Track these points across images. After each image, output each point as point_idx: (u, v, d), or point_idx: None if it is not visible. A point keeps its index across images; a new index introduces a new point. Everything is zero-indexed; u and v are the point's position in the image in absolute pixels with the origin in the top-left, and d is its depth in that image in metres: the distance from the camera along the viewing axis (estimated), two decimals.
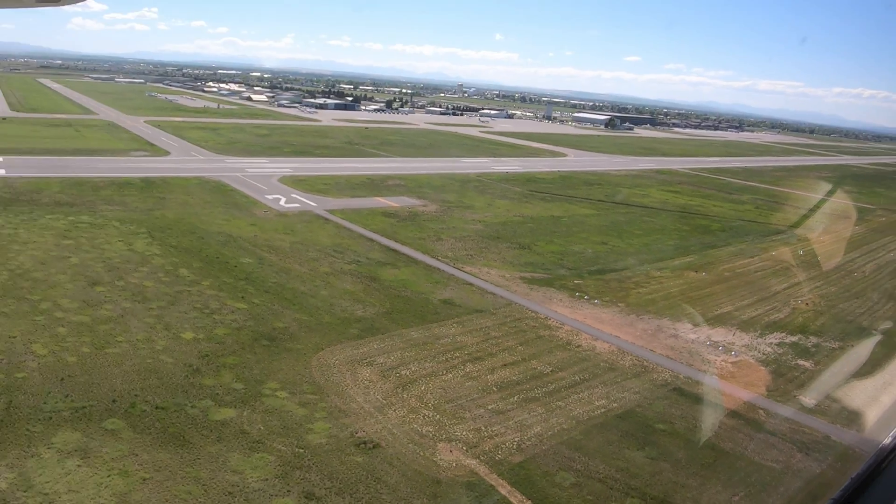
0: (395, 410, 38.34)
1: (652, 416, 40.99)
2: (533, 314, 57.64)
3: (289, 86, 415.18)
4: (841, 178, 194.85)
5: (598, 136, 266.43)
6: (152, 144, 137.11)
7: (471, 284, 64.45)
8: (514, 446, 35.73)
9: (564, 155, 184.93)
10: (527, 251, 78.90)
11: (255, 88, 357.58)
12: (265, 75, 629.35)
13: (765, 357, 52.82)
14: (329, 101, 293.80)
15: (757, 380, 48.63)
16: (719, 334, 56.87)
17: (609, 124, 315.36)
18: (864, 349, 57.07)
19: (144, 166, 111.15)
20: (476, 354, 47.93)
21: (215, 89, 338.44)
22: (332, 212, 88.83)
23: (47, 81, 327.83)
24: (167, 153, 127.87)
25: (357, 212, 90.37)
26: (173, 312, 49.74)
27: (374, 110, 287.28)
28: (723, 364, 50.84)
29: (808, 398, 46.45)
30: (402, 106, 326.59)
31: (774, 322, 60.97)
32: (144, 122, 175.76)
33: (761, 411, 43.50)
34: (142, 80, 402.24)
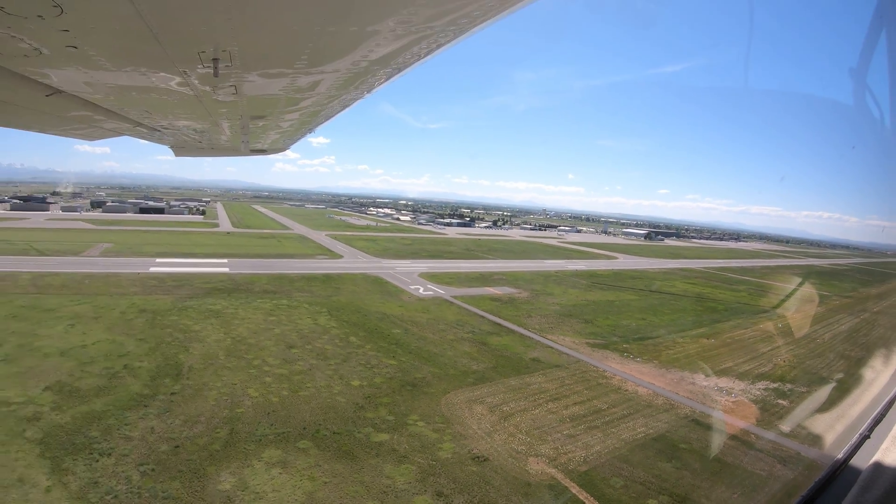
0: (499, 435, 40.34)
1: (677, 438, 43.81)
2: (594, 368, 60.38)
3: (424, 210, 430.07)
4: (807, 273, 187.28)
5: (639, 244, 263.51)
6: (330, 250, 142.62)
7: (551, 347, 67.05)
8: (581, 459, 38.17)
9: (616, 258, 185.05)
10: (590, 324, 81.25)
11: (402, 212, 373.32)
12: (409, 203, 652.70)
13: (755, 398, 54.75)
14: (453, 220, 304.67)
15: (749, 413, 51.02)
16: (724, 382, 58.86)
17: (647, 236, 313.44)
18: (823, 392, 58.51)
19: (325, 265, 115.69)
20: (555, 396, 50.45)
21: (374, 212, 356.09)
22: (455, 297, 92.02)
23: (258, 206, 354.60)
24: (341, 256, 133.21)
25: (472, 297, 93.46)
26: (345, 367, 52.00)
27: (485, 227, 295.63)
28: (726, 402, 53.27)
29: (785, 426, 48.80)
30: (503, 224, 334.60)
31: (762, 374, 62.28)
32: (325, 235, 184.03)
33: (752, 435, 46.03)
34: (323, 206, 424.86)
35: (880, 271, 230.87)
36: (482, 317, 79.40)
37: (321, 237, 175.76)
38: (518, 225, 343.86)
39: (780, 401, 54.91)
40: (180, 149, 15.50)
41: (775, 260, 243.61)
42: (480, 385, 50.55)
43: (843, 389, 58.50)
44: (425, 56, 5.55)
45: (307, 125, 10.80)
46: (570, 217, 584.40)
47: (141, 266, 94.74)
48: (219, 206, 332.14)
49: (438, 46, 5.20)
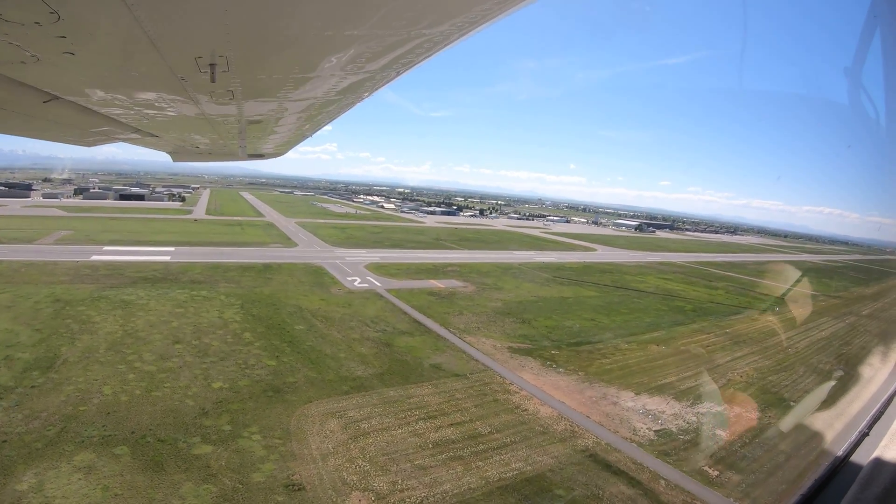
0: (335, 459, 33.73)
1: (557, 481, 33.72)
2: (501, 380, 50.29)
3: (414, 198, 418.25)
4: (798, 270, 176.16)
5: (627, 236, 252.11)
6: (289, 239, 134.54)
7: (464, 352, 57.20)
8: (417, 501, 30.32)
9: (594, 250, 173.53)
10: (526, 325, 70.76)
11: (392, 199, 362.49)
12: (406, 190, 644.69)
13: (687, 426, 44.00)
14: (437, 208, 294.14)
15: (671, 448, 40.06)
16: (655, 403, 48.15)
17: (638, 228, 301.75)
18: (778, 422, 47.11)
19: (274, 254, 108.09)
20: (432, 413, 41.64)
21: (361, 200, 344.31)
22: (389, 290, 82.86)
23: (246, 193, 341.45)
24: (296, 245, 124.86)
25: (409, 291, 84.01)
26: (218, 366, 46.59)
27: (470, 216, 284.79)
28: (646, 432, 42.46)
29: (714, 469, 37.78)
30: (491, 213, 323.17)
31: (707, 393, 51.43)
32: (295, 222, 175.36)
33: (662, 482, 35.07)
34: (313, 193, 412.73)
35: (876, 269, 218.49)
36: (406, 314, 70.39)
37: (289, 225, 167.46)
38: (507, 214, 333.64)
39: (717, 431, 44.17)
40: (178, 154, 15.50)
41: (768, 255, 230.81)
42: (353, 395, 43.64)
43: (803, 417, 47.74)
44: (423, 59, 5.47)
45: (305, 130, 10.80)
46: (566, 207, 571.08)
47: (85, 254, 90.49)
48: (205, 192, 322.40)
49: (438, 49, 5.15)
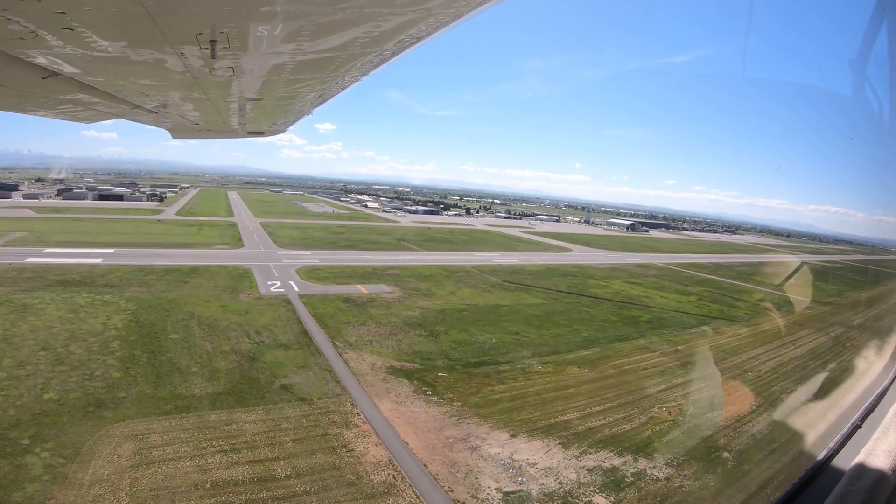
0: (100, 488, 29.73)
1: None
2: (350, 408, 41.43)
3: (409, 196, 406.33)
4: (791, 273, 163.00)
5: (616, 236, 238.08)
6: (240, 240, 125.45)
7: (332, 371, 48.58)
8: None
9: (570, 250, 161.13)
10: (430, 339, 60.61)
11: (382, 198, 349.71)
12: (406, 189, 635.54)
13: (556, 489, 32.44)
14: (421, 207, 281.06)
15: None
16: (531, 449, 37.28)
17: (631, 227, 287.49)
18: (695, 485, 35.07)
19: (211, 256, 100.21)
20: (238, 446, 34.80)
21: (347, 199, 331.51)
22: (302, 297, 73.58)
23: (233, 193, 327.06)
24: (243, 246, 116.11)
25: (324, 297, 74.53)
26: (64, 376, 43.04)
27: (454, 215, 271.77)
28: (490, 494, 31.89)
29: None
30: (479, 211, 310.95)
31: (614, 435, 40.58)
32: (260, 223, 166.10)
33: None
34: (303, 192, 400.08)
35: (877, 270, 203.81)
36: (300, 323, 62.25)
37: (251, 225, 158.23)
38: (495, 213, 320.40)
39: (598, 498, 32.04)
40: (178, 131, 15.29)
41: (763, 255, 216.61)
42: (171, 416, 38.42)
43: (734, 478, 36.32)
44: (424, 38, 5.50)
45: (305, 107, 10.73)
46: (565, 206, 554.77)
47: (22, 256, 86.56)
48: (191, 192, 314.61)
49: (437, 28, 5.17)
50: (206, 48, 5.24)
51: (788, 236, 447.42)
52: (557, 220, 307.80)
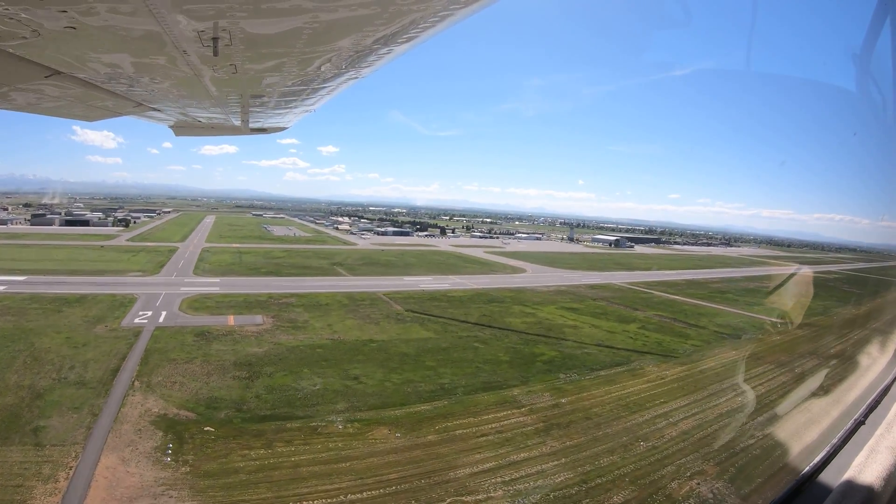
0: None
1: None
2: (68, 462, 34.60)
3: (395, 217, 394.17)
4: (773, 288, 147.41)
5: (594, 253, 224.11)
6: (162, 266, 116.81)
7: (97, 416, 41.24)
8: None
9: (524, 271, 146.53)
10: (244, 383, 50.32)
11: (362, 220, 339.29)
12: (401, 210, 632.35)
13: None
14: (391, 228, 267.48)
15: None
16: None
17: (615, 243, 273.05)
18: None
19: (114, 282, 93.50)
20: None
21: (324, 221, 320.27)
22: (157, 329, 66.19)
23: (210, 217, 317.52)
24: (156, 273, 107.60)
25: (179, 330, 66.06)
26: None
27: (426, 235, 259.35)
28: None
29: None
30: (454, 231, 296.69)
31: None
32: (203, 248, 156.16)
33: None
34: (283, 216, 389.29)
35: (878, 279, 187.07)
36: (124, 360, 54.64)
37: (193, 251, 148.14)
38: (471, 233, 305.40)
39: None
40: (180, 128, 15.10)
41: (754, 269, 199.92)
42: None
43: None
44: (425, 33, 5.56)
45: (308, 104, 10.74)
46: (561, 223, 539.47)
47: None
48: (167, 216, 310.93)
49: (438, 23, 5.19)
50: (209, 45, 5.29)
51: (789, 246, 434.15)
52: (538, 238, 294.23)
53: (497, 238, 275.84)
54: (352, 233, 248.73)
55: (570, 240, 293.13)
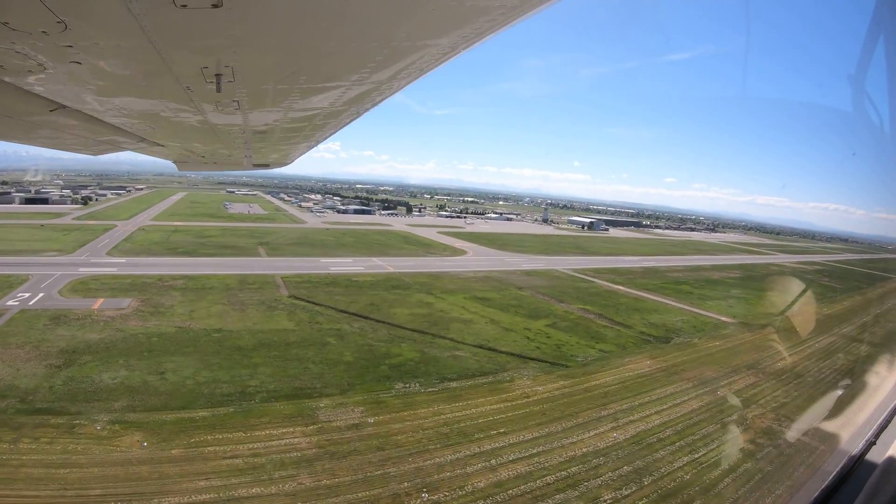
0: None
1: None
2: None
3: (372, 196, 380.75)
4: (744, 279, 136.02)
5: (558, 235, 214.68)
6: (83, 245, 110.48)
7: None
8: None
9: (464, 253, 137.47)
10: (51, 372, 44.77)
11: (335, 198, 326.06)
12: (388, 188, 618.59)
13: None
14: (352, 206, 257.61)
15: None
16: None
17: (588, 226, 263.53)
18: None
19: (16, 263, 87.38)
20: None
21: (291, 199, 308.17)
22: (25, 310, 62.34)
23: (178, 195, 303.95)
24: (72, 253, 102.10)
25: (41, 313, 61.91)
26: None
27: (388, 214, 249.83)
28: None
29: None
30: (421, 211, 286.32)
31: None
32: (140, 226, 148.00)
33: None
34: (256, 193, 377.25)
35: (863, 274, 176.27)
36: None
37: (129, 229, 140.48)
38: (439, 211, 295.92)
39: None
40: (183, 163, 15.54)
41: (729, 256, 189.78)
42: None
43: None
44: (430, 69, 5.53)
45: (311, 140, 10.86)
46: (546, 204, 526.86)
47: None
48: (136, 193, 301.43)
49: (444, 59, 5.23)
50: (212, 82, 5.29)
51: (779, 234, 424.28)
52: (509, 219, 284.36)
53: (465, 218, 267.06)
54: (312, 211, 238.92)
55: (545, 221, 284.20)
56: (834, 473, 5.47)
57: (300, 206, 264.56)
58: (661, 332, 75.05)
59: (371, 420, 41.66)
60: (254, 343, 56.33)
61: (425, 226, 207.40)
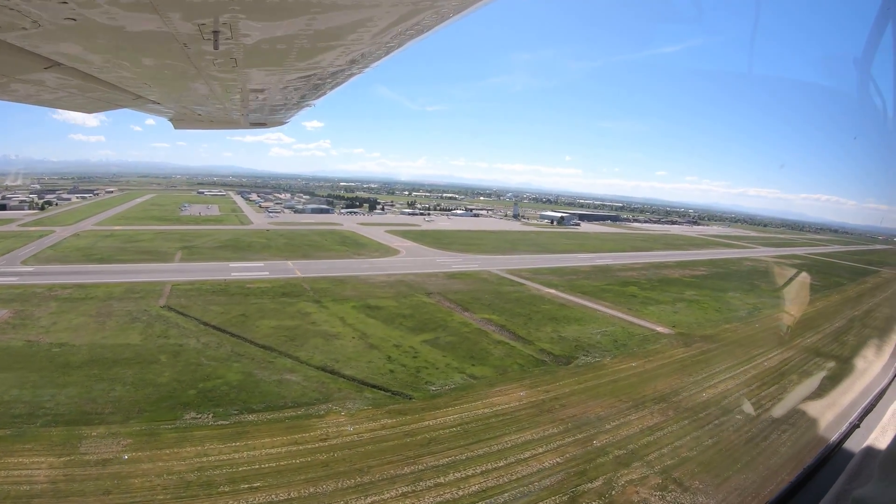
0: None
1: None
2: None
3: (349, 195, 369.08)
4: (707, 277, 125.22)
5: (519, 231, 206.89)
6: (6, 253, 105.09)
7: None
8: None
9: (397, 253, 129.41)
10: None
11: (303, 197, 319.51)
12: (372, 185, 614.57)
13: None
14: (309, 206, 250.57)
15: None
16: None
17: (559, 221, 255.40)
18: None
19: None
20: None
21: (256, 199, 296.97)
22: None
23: (144, 197, 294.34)
24: None
25: None
26: None
27: (347, 212, 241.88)
28: None
29: None
30: (381, 208, 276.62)
31: None
32: (76, 232, 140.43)
33: None
34: (225, 193, 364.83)
35: (847, 266, 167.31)
36: None
37: (65, 235, 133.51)
38: (403, 208, 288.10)
39: None
40: (179, 121, 15.36)
41: (701, 251, 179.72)
42: None
43: None
44: (427, 31, 5.53)
45: (307, 98, 10.86)
46: (527, 199, 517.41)
47: None
48: (99, 197, 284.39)
49: (440, 20, 5.19)
50: (209, 39, 5.20)
51: (766, 226, 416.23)
52: (476, 215, 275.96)
53: (428, 215, 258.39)
54: (268, 211, 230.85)
55: (515, 217, 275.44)
56: (816, 455, 5.44)
57: (260, 206, 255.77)
58: (567, 350, 63.89)
59: (126, 456, 35.79)
60: (85, 360, 51.14)
61: (378, 224, 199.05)
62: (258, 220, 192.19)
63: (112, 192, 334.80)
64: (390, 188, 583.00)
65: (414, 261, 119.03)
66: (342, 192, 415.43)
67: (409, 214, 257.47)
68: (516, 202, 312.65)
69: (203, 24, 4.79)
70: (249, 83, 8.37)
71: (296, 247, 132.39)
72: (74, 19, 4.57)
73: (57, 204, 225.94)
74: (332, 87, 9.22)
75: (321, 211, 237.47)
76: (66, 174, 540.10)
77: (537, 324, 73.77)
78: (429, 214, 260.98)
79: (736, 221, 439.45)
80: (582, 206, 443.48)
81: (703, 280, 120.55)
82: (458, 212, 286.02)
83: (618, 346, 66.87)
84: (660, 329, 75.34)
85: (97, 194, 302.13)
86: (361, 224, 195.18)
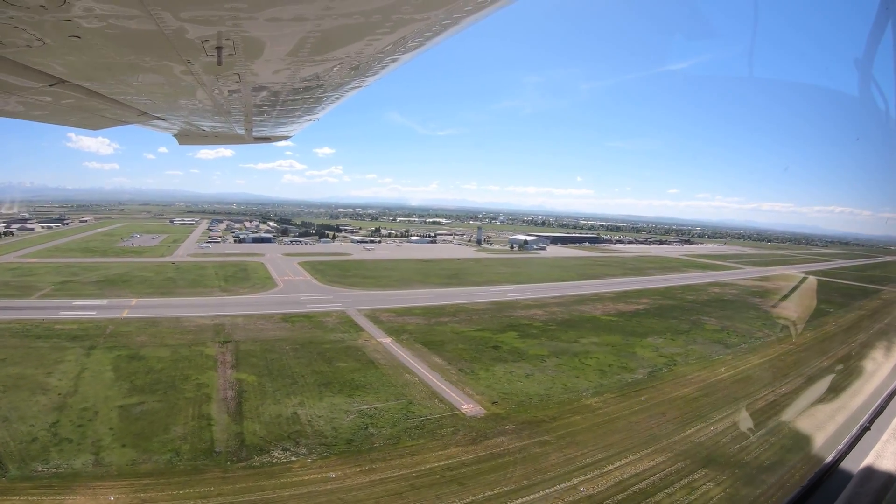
0: None
1: None
2: None
3: (333, 222, 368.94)
4: (636, 314, 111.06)
5: (459, 258, 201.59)
6: None
7: None
8: None
9: (275, 287, 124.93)
10: None
11: (283, 226, 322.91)
12: (374, 211, 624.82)
13: None
14: (251, 235, 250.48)
15: None
16: None
17: (520, 246, 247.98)
18: None
19: None
20: None
21: (222, 227, 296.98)
22: None
23: (109, 227, 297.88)
24: None
25: None
26: None
27: (290, 241, 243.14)
28: None
29: None
30: (332, 237, 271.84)
31: None
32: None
33: None
34: (208, 220, 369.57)
35: (843, 287, 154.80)
36: None
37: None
38: (352, 237, 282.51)
39: None
40: (184, 136, 15.53)
41: (670, 276, 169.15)
42: None
43: None
44: (427, 43, 5.66)
45: (311, 112, 11.00)
46: (522, 222, 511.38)
47: None
48: (70, 225, 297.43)
49: (440, 33, 5.32)
50: (212, 55, 5.30)
51: (770, 241, 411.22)
52: (433, 241, 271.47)
53: (378, 242, 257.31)
54: (210, 241, 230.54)
55: (478, 242, 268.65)
56: (827, 459, 5.48)
57: (210, 236, 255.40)
58: (270, 437, 48.80)
59: None
60: None
61: (305, 254, 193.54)
62: (182, 252, 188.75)
63: (87, 220, 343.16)
64: (392, 213, 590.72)
65: (273, 298, 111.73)
66: (326, 220, 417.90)
67: (358, 242, 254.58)
68: (480, 227, 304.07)
69: (206, 40, 4.86)
70: (253, 98, 8.47)
71: (171, 281, 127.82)
72: (79, 37, 4.67)
73: (14, 234, 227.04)
74: (335, 101, 9.29)
75: (262, 240, 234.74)
76: (78, 202, 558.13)
77: (297, 389, 59.87)
78: (379, 242, 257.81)
79: (742, 238, 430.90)
80: (577, 227, 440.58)
81: (626, 319, 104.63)
82: (414, 238, 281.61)
83: (363, 436, 49.73)
84: (466, 407, 57.33)
85: (67, 223, 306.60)
86: (287, 255, 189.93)
